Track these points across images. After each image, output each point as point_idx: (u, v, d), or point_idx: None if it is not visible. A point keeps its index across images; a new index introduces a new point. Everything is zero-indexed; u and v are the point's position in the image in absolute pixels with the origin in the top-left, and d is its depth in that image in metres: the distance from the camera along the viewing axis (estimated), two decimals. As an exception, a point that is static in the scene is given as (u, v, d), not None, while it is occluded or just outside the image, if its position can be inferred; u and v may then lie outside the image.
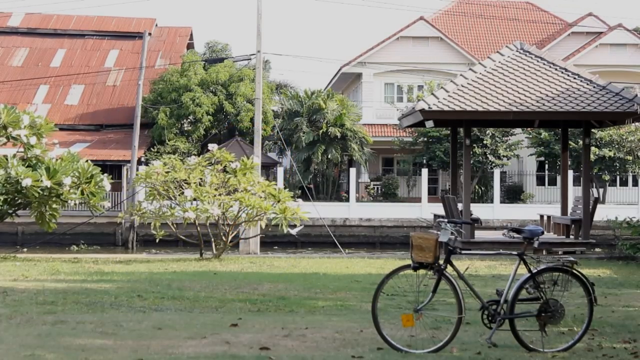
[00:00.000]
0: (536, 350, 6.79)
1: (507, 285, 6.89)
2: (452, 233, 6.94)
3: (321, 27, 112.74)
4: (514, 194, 40.08)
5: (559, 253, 18.37)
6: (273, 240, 30.45)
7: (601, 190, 38.21)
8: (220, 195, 18.88)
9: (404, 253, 23.01)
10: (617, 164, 37.17)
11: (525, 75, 18.81)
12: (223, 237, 19.38)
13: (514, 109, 17.90)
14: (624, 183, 42.27)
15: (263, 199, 18.84)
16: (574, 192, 30.88)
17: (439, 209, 22.49)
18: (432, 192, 40.60)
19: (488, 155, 37.49)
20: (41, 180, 17.87)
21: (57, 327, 7.85)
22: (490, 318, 6.87)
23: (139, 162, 35.66)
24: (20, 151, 19.16)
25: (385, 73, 44.89)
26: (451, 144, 21.31)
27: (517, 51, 19.77)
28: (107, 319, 8.42)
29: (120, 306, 9.71)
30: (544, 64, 19.33)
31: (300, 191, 32.98)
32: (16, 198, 18.83)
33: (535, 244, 7.11)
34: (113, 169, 34.76)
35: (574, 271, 6.91)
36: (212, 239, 19.48)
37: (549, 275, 6.96)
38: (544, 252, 18.38)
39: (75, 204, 20.35)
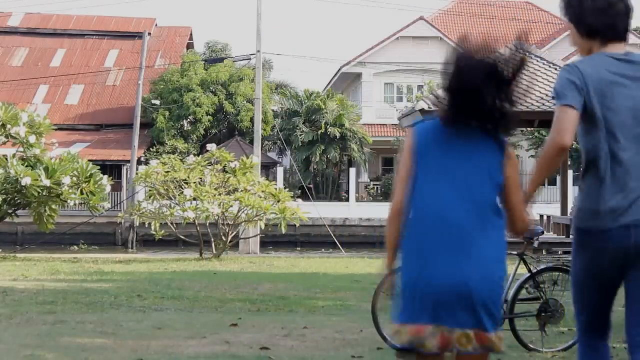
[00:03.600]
0: (536, 350, 6.79)
1: (506, 285, 6.88)
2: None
3: (321, 27, 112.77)
4: (514, 194, 40.00)
5: (559, 253, 18.36)
6: (273, 241, 30.43)
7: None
8: (220, 195, 18.89)
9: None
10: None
11: (525, 75, 18.78)
12: (223, 237, 19.38)
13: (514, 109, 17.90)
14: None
15: (263, 199, 18.85)
16: (574, 192, 30.87)
17: (439, 209, 22.47)
18: (432, 192, 40.59)
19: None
20: (41, 180, 17.88)
21: (57, 327, 7.85)
22: (490, 318, 6.87)
23: (139, 162, 35.66)
24: (20, 151, 19.18)
25: (385, 73, 44.89)
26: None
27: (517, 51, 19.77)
28: (107, 319, 8.42)
29: (120, 306, 9.71)
30: (544, 64, 19.32)
31: (300, 191, 32.99)
32: (16, 198, 18.84)
33: (536, 244, 7.11)
34: (113, 169, 34.77)
35: (574, 271, 6.90)
36: (212, 239, 19.48)
37: (549, 275, 6.95)
38: (544, 252, 18.38)
39: (75, 204, 20.37)
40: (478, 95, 3.31)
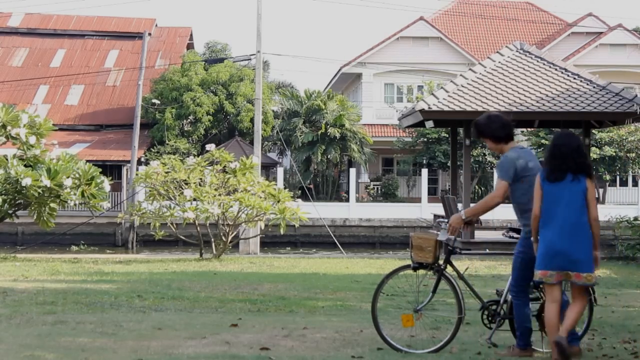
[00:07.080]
0: (536, 350, 6.79)
1: (506, 285, 6.89)
2: (452, 233, 6.92)
3: (321, 27, 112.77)
4: (514, 194, 39.95)
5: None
6: (273, 241, 30.45)
7: (601, 190, 38.20)
8: (220, 195, 18.89)
9: (404, 253, 23.01)
10: (618, 164, 37.14)
11: (525, 75, 18.79)
12: (223, 237, 19.38)
13: (514, 109, 17.88)
14: (624, 183, 42.28)
15: (263, 199, 18.85)
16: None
17: (439, 209, 22.47)
18: (432, 192, 40.60)
19: (487, 156, 37.48)
20: (41, 180, 17.88)
21: (57, 327, 7.85)
22: (490, 318, 6.86)
23: (139, 163, 35.66)
24: (20, 152, 19.17)
25: (385, 73, 44.90)
26: (451, 144, 21.29)
27: (517, 51, 19.75)
28: (107, 319, 8.42)
29: (120, 306, 9.71)
30: (544, 64, 19.31)
31: (300, 191, 32.99)
32: (16, 198, 18.84)
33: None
34: (113, 169, 34.78)
35: (574, 271, 6.89)
36: (212, 239, 19.48)
37: (548, 276, 6.93)
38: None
39: (75, 204, 20.39)
40: (571, 156, 6.31)
